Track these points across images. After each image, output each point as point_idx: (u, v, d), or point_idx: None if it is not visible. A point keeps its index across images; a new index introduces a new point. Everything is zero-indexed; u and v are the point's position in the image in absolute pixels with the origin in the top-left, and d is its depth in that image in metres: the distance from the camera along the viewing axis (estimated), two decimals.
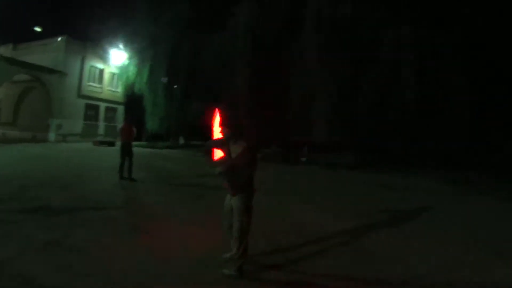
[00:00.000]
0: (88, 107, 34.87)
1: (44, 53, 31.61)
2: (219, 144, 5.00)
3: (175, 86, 32.21)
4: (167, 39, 30.33)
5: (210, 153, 5.33)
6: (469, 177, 19.33)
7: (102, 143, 29.08)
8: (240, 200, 4.64)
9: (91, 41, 34.42)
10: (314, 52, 24.06)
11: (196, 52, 29.74)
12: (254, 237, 5.46)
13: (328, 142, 24.87)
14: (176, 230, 6.66)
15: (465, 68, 24.15)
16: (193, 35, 29.96)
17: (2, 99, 33.09)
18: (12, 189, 9.32)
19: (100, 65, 35.70)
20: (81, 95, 33.48)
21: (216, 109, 5.25)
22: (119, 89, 36.90)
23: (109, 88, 37.48)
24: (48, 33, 35.93)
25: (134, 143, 12.82)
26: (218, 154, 5.12)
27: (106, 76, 36.99)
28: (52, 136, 29.93)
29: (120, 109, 38.80)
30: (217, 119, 5.25)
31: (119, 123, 36.35)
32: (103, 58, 35.24)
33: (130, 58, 32.88)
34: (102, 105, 36.87)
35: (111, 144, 28.62)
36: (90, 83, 34.78)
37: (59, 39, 31.53)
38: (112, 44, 33.72)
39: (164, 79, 31.30)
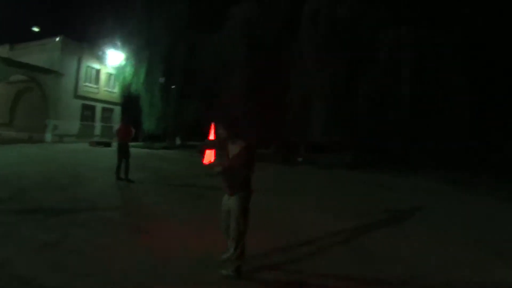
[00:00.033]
0: (85, 107, 34.75)
1: (40, 53, 31.50)
2: (217, 144, 5.01)
3: (173, 87, 32.17)
4: (164, 39, 30.26)
5: (208, 151, 5.34)
6: (469, 177, 19.40)
7: (98, 143, 28.98)
8: (237, 201, 4.64)
9: (88, 41, 34.42)
10: (313, 52, 24.13)
11: (194, 52, 29.73)
12: (252, 237, 5.46)
13: (327, 142, 24.92)
14: (174, 230, 6.65)
15: (464, 68, 24.26)
16: (190, 35, 29.94)
17: None
18: (10, 190, 9.27)
19: (96, 66, 35.60)
20: (77, 96, 33.36)
21: (212, 124, 5.23)
22: (116, 90, 36.79)
23: (105, 88, 37.37)
24: (45, 33, 35.90)
25: (131, 143, 12.77)
26: (210, 156, 5.12)
27: (103, 76, 36.89)
28: (48, 136, 29.83)
29: (117, 109, 38.68)
30: (212, 134, 5.24)
31: (116, 123, 36.34)
32: (100, 58, 35.15)
33: (126, 58, 32.78)
34: (99, 106, 36.75)
35: (108, 144, 28.53)
36: (87, 84, 34.66)
37: (56, 39, 31.43)
38: (109, 44, 33.63)
39: (162, 80, 31.25)
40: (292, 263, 5.35)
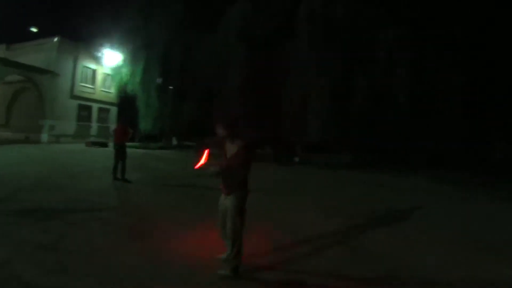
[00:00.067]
0: (81, 107, 34.74)
1: (37, 53, 31.45)
2: (215, 143, 4.98)
3: (171, 88, 32.18)
4: (161, 39, 30.23)
5: (202, 153, 5.32)
6: (469, 177, 19.48)
7: (94, 144, 29.00)
8: (234, 200, 4.63)
9: (84, 41, 34.37)
10: (310, 51, 24.09)
11: (190, 52, 29.70)
12: (250, 237, 5.47)
13: (323, 142, 24.92)
14: (172, 230, 6.59)
15: (464, 68, 24.28)
16: (186, 35, 29.91)
17: None
18: (6, 190, 9.25)
19: (93, 66, 35.61)
20: (73, 96, 33.33)
21: (206, 149, 5.18)
22: (112, 90, 36.71)
23: (102, 88, 37.37)
24: (42, 33, 35.83)
25: (127, 144, 12.74)
26: (203, 159, 5.07)
27: (99, 76, 36.90)
28: (45, 137, 29.80)
29: (113, 110, 38.73)
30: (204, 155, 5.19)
31: (112, 124, 36.35)
32: (96, 58, 35.14)
33: (123, 58, 32.72)
34: (95, 106, 36.74)
35: (104, 145, 28.54)
36: (83, 84, 34.65)
37: (52, 39, 31.38)
38: (105, 44, 33.58)
39: (159, 80, 31.22)
40: (291, 263, 5.34)
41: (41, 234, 5.83)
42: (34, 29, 35.27)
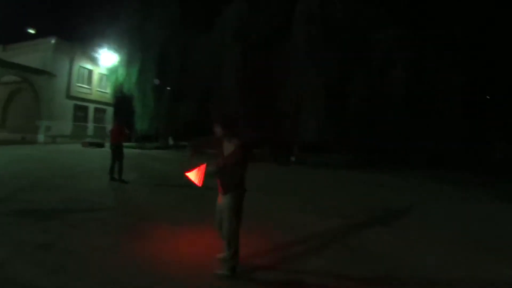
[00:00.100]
0: (77, 108, 34.75)
1: (33, 54, 31.43)
2: (212, 141, 4.99)
3: (168, 88, 32.17)
4: (157, 39, 30.25)
5: (196, 150, 5.30)
6: (468, 177, 19.53)
7: (91, 144, 28.95)
8: (230, 200, 4.63)
9: (80, 42, 34.32)
10: (307, 51, 24.10)
11: (186, 53, 29.74)
12: (248, 237, 5.50)
13: (321, 142, 24.96)
14: (169, 230, 6.59)
15: (462, 68, 24.38)
16: (183, 35, 29.97)
17: None
18: (5, 190, 9.23)
19: (89, 66, 35.65)
20: (70, 96, 33.34)
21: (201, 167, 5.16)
22: (108, 90, 36.66)
23: (98, 89, 37.40)
24: (38, 34, 35.83)
25: (124, 144, 12.71)
26: (197, 174, 5.04)
27: (95, 77, 36.93)
28: (41, 137, 29.78)
29: (109, 110, 38.74)
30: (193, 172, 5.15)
31: (108, 124, 36.34)
32: (92, 59, 35.16)
33: (119, 58, 32.67)
34: (91, 106, 36.77)
35: (100, 145, 28.52)
36: (79, 84, 34.65)
37: (48, 40, 31.32)
38: (101, 44, 33.54)
39: (156, 81, 31.21)
40: (290, 263, 5.34)
41: (40, 234, 5.81)
42: (31, 31, 35.27)
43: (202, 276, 4.60)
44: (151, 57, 30.56)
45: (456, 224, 8.69)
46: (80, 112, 35.22)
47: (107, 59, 33.89)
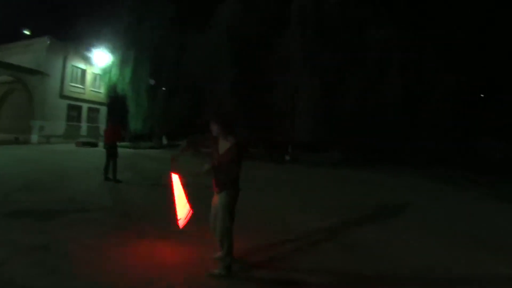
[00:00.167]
0: (71, 108, 34.55)
1: (26, 53, 31.27)
2: (208, 140, 5.05)
3: (164, 89, 32.20)
4: (151, 38, 30.21)
5: (190, 147, 5.46)
6: (468, 176, 19.66)
7: (84, 144, 28.90)
8: (224, 198, 4.69)
9: (73, 41, 34.20)
10: (301, 50, 24.18)
11: (180, 52, 29.73)
12: (243, 235, 5.60)
13: (315, 141, 25.07)
14: (165, 230, 6.53)
15: (458, 67, 24.53)
16: (176, 34, 29.93)
17: None
18: None
19: (82, 66, 35.44)
20: (63, 96, 33.16)
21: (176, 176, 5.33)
22: (102, 90, 36.56)
23: (91, 88, 37.21)
24: (31, 34, 35.70)
25: (118, 144, 12.82)
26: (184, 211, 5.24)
27: (89, 76, 36.70)
28: (34, 137, 29.65)
29: (103, 109, 38.56)
30: (176, 186, 5.30)
31: (102, 124, 36.27)
32: (85, 58, 35.00)
33: (112, 58, 32.59)
34: (85, 106, 36.57)
35: (94, 145, 28.50)
36: (73, 84, 34.49)
37: (41, 39, 31.23)
38: (94, 44, 33.45)
39: (152, 81, 31.25)
40: (286, 261, 5.43)
41: (35, 235, 5.82)
42: (27, 32, 35.22)
43: (198, 276, 4.63)
44: (145, 56, 30.52)
45: (454, 223, 8.84)
46: (73, 112, 35.04)
47: (100, 58, 33.72)
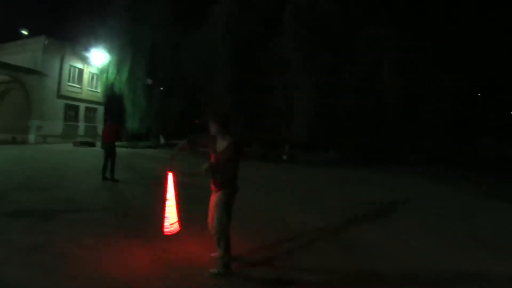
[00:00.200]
0: (68, 107, 34.54)
1: (23, 53, 31.21)
2: (206, 138, 5.04)
3: (162, 88, 32.17)
4: (147, 38, 30.19)
5: (189, 147, 5.43)
6: (467, 176, 19.69)
7: (82, 143, 28.88)
8: (221, 197, 4.70)
9: (71, 41, 34.11)
10: (296, 50, 24.15)
11: (177, 51, 29.71)
12: (241, 234, 5.62)
13: (311, 140, 25.07)
14: (161, 231, 6.52)
15: (455, 67, 24.53)
16: (173, 34, 29.88)
17: None
18: None
19: (79, 65, 35.39)
20: (60, 96, 33.13)
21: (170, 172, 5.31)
22: (99, 89, 36.53)
23: (89, 88, 37.16)
24: (28, 33, 35.62)
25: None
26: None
27: (86, 76, 36.66)
28: (32, 137, 29.61)
29: (100, 109, 38.52)
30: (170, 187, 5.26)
31: (99, 123, 36.23)
32: (82, 58, 34.93)
33: (109, 57, 32.54)
34: (82, 106, 36.55)
35: (92, 144, 28.48)
36: (70, 84, 34.44)
37: (38, 39, 31.16)
38: (91, 43, 33.36)
39: (149, 80, 31.23)
40: (285, 260, 5.43)
41: (32, 235, 5.81)
42: (24, 32, 35.16)
43: (197, 275, 4.63)
44: (142, 56, 30.53)
45: (454, 223, 8.81)
46: (71, 111, 35.02)
47: (97, 58, 33.66)
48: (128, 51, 30.65)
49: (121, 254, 5.30)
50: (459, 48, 25.20)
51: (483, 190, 15.02)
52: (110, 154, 12.11)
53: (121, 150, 21.82)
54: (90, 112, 37.98)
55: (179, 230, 5.18)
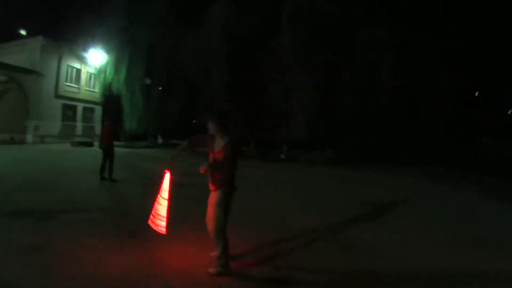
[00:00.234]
0: (66, 107, 34.43)
1: (20, 53, 31.09)
2: (205, 139, 5.05)
3: (160, 88, 32.15)
4: (145, 38, 30.13)
5: (190, 147, 5.40)
6: (467, 176, 19.71)
7: (80, 144, 28.83)
8: (219, 196, 4.69)
9: (68, 40, 34.03)
10: (294, 49, 24.14)
11: (174, 51, 29.68)
12: (239, 234, 5.59)
13: (309, 140, 25.07)
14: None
15: (454, 67, 24.54)
16: (171, 34, 29.87)
17: None
18: None
19: (77, 65, 35.27)
20: (58, 96, 33.02)
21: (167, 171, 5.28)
22: (97, 89, 36.47)
23: (86, 88, 37.09)
24: (25, 34, 35.57)
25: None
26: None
27: (83, 76, 36.55)
28: (30, 137, 29.54)
29: (98, 109, 38.45)
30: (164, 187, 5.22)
31: (97, 123, 36.17)
32: (80, 57, 34.84)
33: (107, 57, 32.48)
34: (80, 106, 36.45)
35: (90, 144, 28.42)
36: (67, 83, 34.36)
37: (36, 39, 31.09)
38: (89, 43, 33.27)
39: (147, 80, 31.20)
40: (284, 259, 5.43)
41: (32, 235, 5.77)
42: (22, 32, 35.14)
43: (196, 275, 4.63)
44: (140, 55, 30.47)
45: (454, 223, 8.82)
46: (68, 111, 34.89)
47: (95, 58, 33.55)
48: (126, 51, 30.60)
49: (120, 254, 5.28)
50: (459, 48, 25.24)
51: (483, 190, 15.03)
52: (108, 154, 12.09)
53: (119, 150, 21.81)
54: (88, 112, 37.89)
55: (166, 231, 5.09)
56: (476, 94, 30.65)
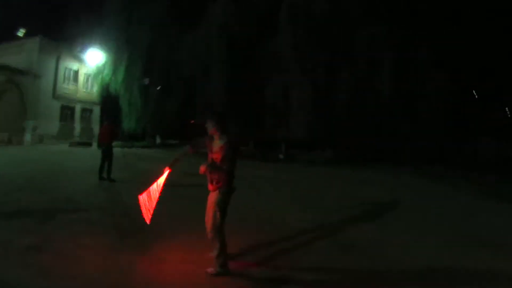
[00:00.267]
0: (64, 108, 34.44)
1: (18, 54, 31.10)
2: (205, 140, 5.03)
3: (158, 88, 32.11)
4: (143, 38, 30.08)
5: (195, 149, 5.38)
6: (467, 176, 19.72)
7: (78, 144, 28.80)
8: (217, 196, 4.69)
9: (66, 41, 34.01)
10: (292, 49, 24.14)
11: (173, 51, 29.65)
12: (238, 234, 5.59)
13: (306, 139, 25.05)
14: (160, 230, 6.49)
15: (453, 67, 24.53)
16: (169, 34, 29.84)
17: None
18: None
19: (75, 66, 35.30)
20: (56, 96, 33.02)
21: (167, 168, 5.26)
22: (95, 90, 36.40)
23: (84, 88, 37.08)
24: (23, 34, 35.54)
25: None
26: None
27: (81, 76, 36.56)
28: (28, 138, 29.49)
29: (96, 109, 38.43)
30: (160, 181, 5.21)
31: (95, 123, 36.16)
32: (78, 58, 34.85)
33: (105, 57, 32.42)
34: (78, 106, 36.45)
35: (88, 145, 28.39)
36: (65, 84, 34.34)
37: (33, 40, 31.08)
38: (87, 44, 33.23)
39: (146, 80, 31.17)
40: (282, 259, 5.41)
41: (27, 236, 5.73)
42: (19, 33, 35.12)
43: (195, 275, 4.63)
44: (138, 55, 30.43)
45: (454, 222, 8.81)
46: (66, 112, 34.96)
47: (93, 58, 33.52)
48: (124, 51, 30.56)
49: (120, 254, 5.26)
50: (459, 48, 25.23)
51: (483, 190, 15.03)
52: (107, 154, 12.09)
53: (117, 150, 21.75)
54: (86, 112, 37.88)
55: (149, 222, 5.06)
56: (476, 94, 30.68)
